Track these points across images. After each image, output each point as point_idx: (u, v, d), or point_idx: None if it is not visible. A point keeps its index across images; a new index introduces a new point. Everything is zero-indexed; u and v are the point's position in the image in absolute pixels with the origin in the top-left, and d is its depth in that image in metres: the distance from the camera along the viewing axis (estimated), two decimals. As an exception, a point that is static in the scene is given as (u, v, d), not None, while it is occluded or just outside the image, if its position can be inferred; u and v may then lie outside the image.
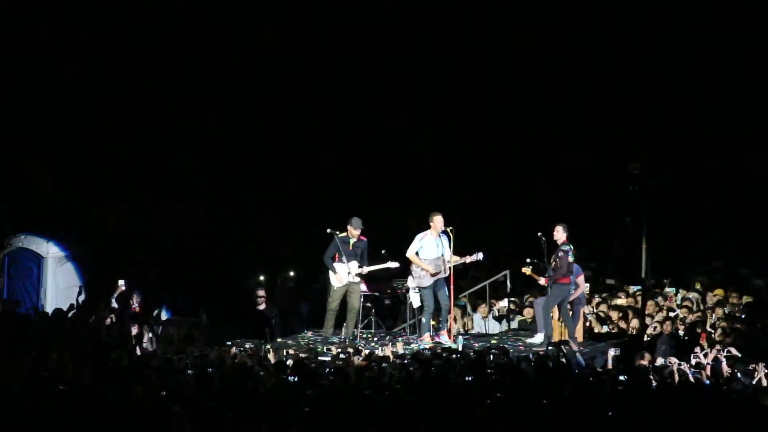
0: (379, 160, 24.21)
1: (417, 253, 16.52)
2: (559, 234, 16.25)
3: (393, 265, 16.94)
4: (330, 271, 16.92)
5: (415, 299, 17.10)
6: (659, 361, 14.72)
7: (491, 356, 13.81)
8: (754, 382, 12.72)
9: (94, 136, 23.06)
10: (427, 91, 23.82)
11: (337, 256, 16.83)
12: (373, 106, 23.96)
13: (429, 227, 16.52)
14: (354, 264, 16.77)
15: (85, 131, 22.98)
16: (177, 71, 23.04)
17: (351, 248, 16.81)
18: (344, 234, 16.86)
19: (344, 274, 16.80)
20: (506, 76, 23.52)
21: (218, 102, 23.47)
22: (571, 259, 16.11)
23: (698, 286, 20.32)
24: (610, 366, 14.30)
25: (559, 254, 16.13)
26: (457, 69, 23.73)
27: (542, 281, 16.52)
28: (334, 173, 24.07)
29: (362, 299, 17.26)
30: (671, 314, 18.19)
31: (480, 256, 16.61)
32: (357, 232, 16.78)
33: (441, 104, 23.98)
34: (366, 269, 16.83)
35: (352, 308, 16.96)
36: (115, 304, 18.71)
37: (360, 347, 15.21)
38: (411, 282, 16.89)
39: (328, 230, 16.84)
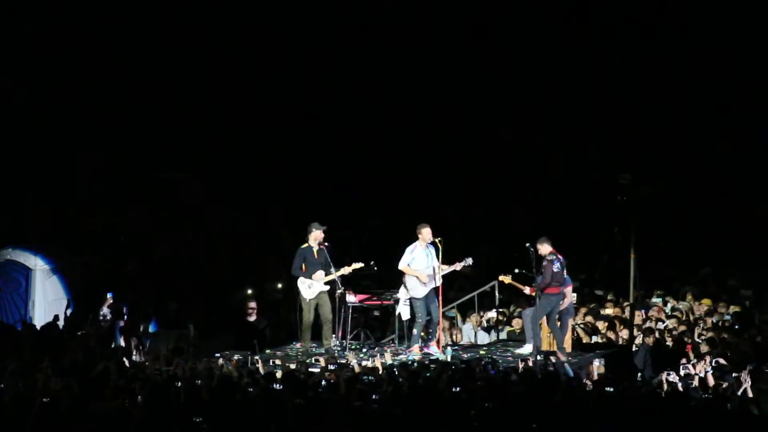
0: (367, 170, 24.24)
1: (409, 265, 16.55)
2: (543, 247, 16.27)
3: (357, 265, 16.92)
4: (299, 283, 16.94)
5: (404, 311, 17.05)
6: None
7: (480, 367, 13.82)
8: (739, 393, 12.73)
9: (84, 149, 23.04)
10: (415, 103, 23.89)
11: (304, 267, 16.87)
12: (362, 117, 24.01)
13: (417, 239, 16.56)
14: (320, 273, 16.77)
15: (73, 143, 22.96)
16: (169, 86, 23.07)
17: (316, 257, 16.83)
18: (305, 245, 16.87)
19: (314, 283, 16.78)
20: (492, 88, 23.60)
21: (209, 114, 23.51)
22: (556, 268, 16.10)
23: (689, 297, 20.33)
24: (596, 377, 14.31)
25: (544, 263, 16.16)
26: (444, 82, 23.80)
27: (526, 290, 16.55)
28: (322, 184, 24.09)
29: (351, 310, 17.25)
30: (660, 325, 18.21)
31: (469, 261, 16.62)
32: (321, 234, 16.75)
33: (429, 116, 24.05)
34: (335, 275, 16.81)
35: (326, 319, 16.84)
36: (102, 317, 18.68)
37: (346, 360, 15.15)
38: (403, 294, 16.85)
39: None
